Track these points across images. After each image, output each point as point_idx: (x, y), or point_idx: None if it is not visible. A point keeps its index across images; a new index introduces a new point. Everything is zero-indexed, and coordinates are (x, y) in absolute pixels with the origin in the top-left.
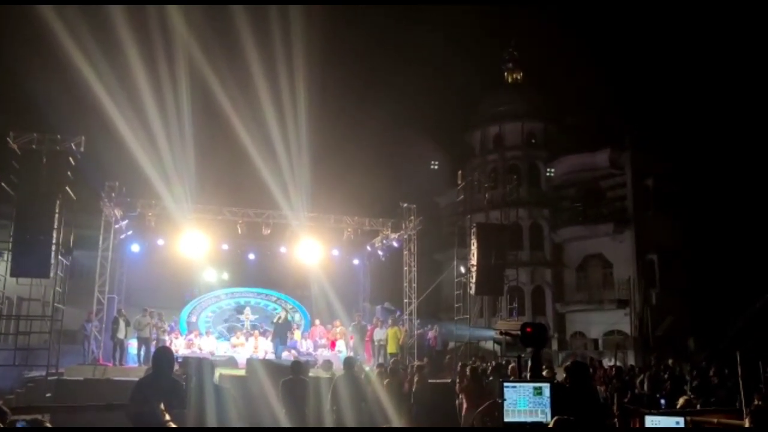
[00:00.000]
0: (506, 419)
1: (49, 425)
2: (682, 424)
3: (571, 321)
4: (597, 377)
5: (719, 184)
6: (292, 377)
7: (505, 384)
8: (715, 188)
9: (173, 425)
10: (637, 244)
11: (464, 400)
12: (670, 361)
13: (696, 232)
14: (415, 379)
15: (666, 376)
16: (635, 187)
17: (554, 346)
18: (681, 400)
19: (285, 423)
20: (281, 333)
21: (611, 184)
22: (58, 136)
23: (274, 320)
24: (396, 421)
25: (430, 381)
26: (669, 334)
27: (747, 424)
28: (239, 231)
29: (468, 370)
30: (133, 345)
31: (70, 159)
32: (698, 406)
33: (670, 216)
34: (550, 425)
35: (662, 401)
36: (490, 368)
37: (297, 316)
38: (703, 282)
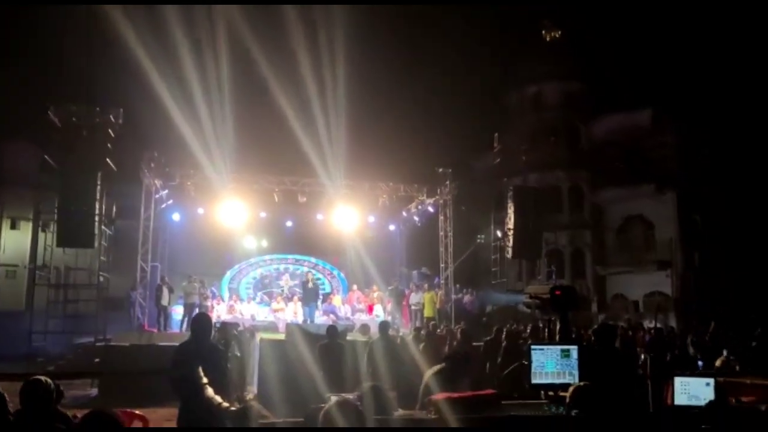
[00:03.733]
0: (533, 381)
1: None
2: (712, 385)
3: (612, 283)
4: (637, 338)
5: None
6: (329, 341)
7: (533, 347)
8: (762, 145)
9: (210, 389)
10: (679, 203)
11: None
12: (712, 323)
13: (742, 192)
14: (455, 342)
15: (707, 338)
16: (679, 146)
17: (594, 308)
18: (718, 362)
19: (323, 386)
20: (312, 297)
21: (653, 144)
22: (97, 109)
23: (304, 287)
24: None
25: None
26: (712, 295)
27: None
28: (276, 199)
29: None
30: (176, 311)
31: (110, 131)
32: (737, 368)
33: (716, 175)
34: (568, 394)
35: (700, 363)
36: (528, 331)
37: (335, 282)
38: (750, 242)
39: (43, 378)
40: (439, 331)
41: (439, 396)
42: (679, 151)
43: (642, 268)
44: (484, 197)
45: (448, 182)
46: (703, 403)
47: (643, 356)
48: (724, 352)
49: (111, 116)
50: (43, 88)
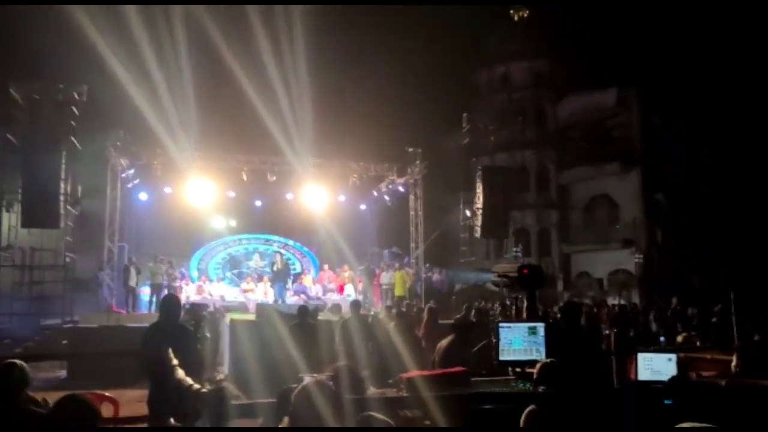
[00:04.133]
0: (501, 358)
1: None
2: (674, 361)
3: (577, 261)
4: (601, 315)
5: (728, 120)
6: (300, 321)
7: (501, 325)
8: (723, 125)
9: (180, 370)
10: (643, 183)
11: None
12: (674, 300)
13: (704, 171)
14: (424, 320)
15: (669, 314)
16: (642, 124)
17: (559, 286)
18: (679, 338)
19: (294, 366)
20: (282, 278)
21: (617, 123)
22: (60, 86)
23: (273, 268)
24: (406, 363)
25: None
26: (674, 272)
27: (734, 361)
28: (244, 178)
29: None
30: (144, 292)
31: (73, 108)
32: (698, 344)
33: (678, 154)
34: (535, 370)
35: (662, 338)
36: (498, 309)
37: (306, 262)
38: (711, 220)
39: (17, 362)
40: (413, 311)
41: (409, 374)
42: (643, 130)
43: (607, 247)
44: (453, 177)
45: (417, 162)
46: (665, 378)
47: (607, 332)
48: (679, 327)
49: (75, 93)
50: (2, 64)
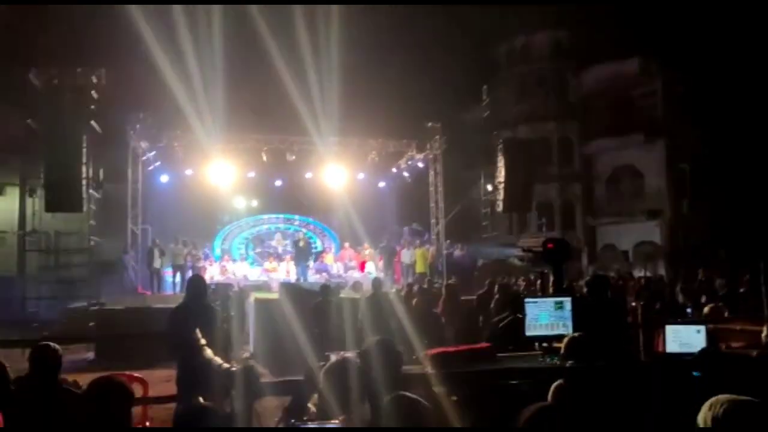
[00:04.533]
0: (527, 333)
1: None
2: (703, 332)
3: (602, 234)
4: (627, 288)
5: (754, 89)
6: (322, 299)
7: (526, 300)
8: (749, 93)
9: (208, 350)
10: (668, 153)
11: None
12: (700, 271)
13: (730, 140)
14: (442, 297)
15: (696, 286)
16: (666, 94)
17: (584, 260)
18: (707, 309)
19: (318, 344)
20: (303, 256)
21: (641, 93)
22: (78, 70)
23: (297, 245)
24: (428, 339)
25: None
26: (700, 243)
27: (765, 331)
28: (264, 158)
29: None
30: (169, 273)
31: (93, 93)
32: (726, 314)
33: (703, 124)
34: (563, 345)
35: (689, 310)
36: (523, 285)
37: (327, 240)
38: (737, 190)
39: (51, 343)
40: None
41: (434, 350)
42: (667, 100)
43: (632, 218)
44: (473, 151)
45: (437, 137)
46: (694, 350)
47: (633, 305)
48: (703, 299)
49: (93, 77)
50: (21, 51)
